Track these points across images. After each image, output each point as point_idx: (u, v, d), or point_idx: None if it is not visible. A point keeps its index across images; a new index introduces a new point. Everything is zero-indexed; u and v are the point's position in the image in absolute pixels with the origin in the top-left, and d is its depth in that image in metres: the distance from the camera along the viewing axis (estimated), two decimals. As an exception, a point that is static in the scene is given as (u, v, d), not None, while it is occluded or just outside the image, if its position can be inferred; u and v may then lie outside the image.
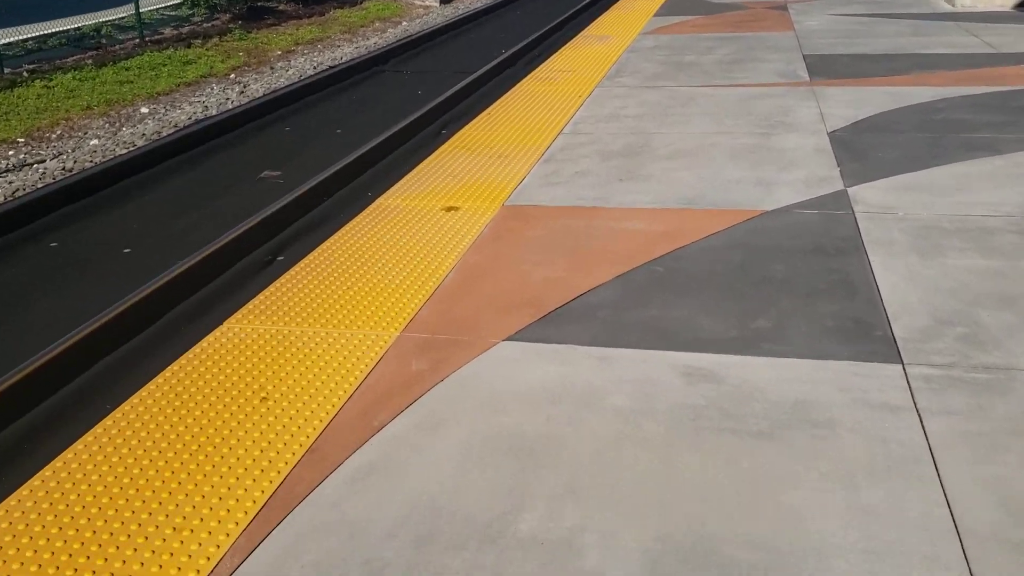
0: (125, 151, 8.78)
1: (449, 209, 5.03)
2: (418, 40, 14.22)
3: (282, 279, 4.16)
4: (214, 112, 10.59)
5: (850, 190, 5.01)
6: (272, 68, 14.10)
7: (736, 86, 7.77)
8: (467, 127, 6.93)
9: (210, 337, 3.61)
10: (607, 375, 3.17)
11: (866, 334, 3.37)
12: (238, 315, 3.79)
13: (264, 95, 10.83)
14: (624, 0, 14.97)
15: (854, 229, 4.43)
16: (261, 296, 3.98)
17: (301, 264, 4.33)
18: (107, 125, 10.77)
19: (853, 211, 4.68)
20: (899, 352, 3.23)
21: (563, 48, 10.16)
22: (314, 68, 13.24)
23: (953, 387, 2.99)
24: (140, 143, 9.19)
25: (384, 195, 5.36)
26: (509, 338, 3.47)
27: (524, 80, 8.49)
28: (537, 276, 4.07)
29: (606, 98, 7.60)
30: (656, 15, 12.32)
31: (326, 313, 3.75)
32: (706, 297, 3.77)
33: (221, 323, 3.74)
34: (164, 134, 9.44)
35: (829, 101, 7.09)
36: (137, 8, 14.49)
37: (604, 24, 11.98)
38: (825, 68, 8.35)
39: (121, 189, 7.51)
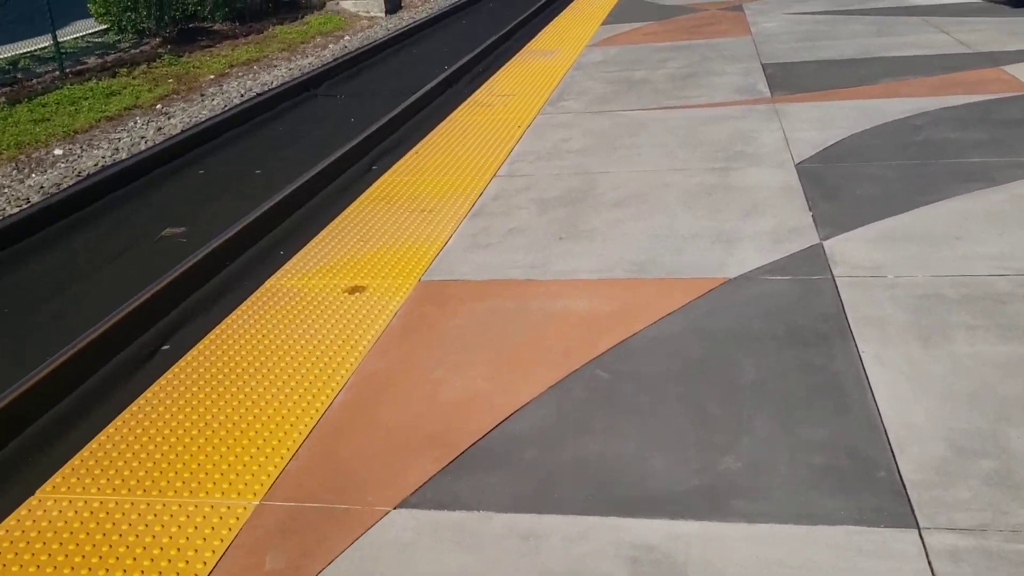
0: (15, 209, 7.86)
1: (354, 290, 4.20)
2: (356, 58, 13.35)
3: (122, 416, 3.31)
4: (124, 155, 9.68)
5: (826, 244, 4.23)
6: (202, 95, 13.19)
7: (691, 107, 6.98)
8: (393, 169, 6.10)
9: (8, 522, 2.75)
10: (530, 569, 2.35)
11: (866, 476, 2.58)
12: (55, 479, 2.93)
13: (180, 132, 9.94)
14: (573, 4, 14.20)
15: (836, 303, 3.65)
16: (97, 441, 3.13)
17: (157, 385, 3.48)
18: (14, 172, 9.84)
19: (833, 275, 3.90)
20: (912, 508, 2.44)
21: (507, 64, 9.35)
22: (242, 95, 12.34)
23: (991, 569, 2.21)
24: (36, 198, 8.27)
25: (280, 271, 4.52)
26: (403, 503, 2.65)
27: (461, 107, 7.66)
28: (451, 391, 3.26)
29: (548, 127, 6.80)
30: (605, 23, 11.53)
31: (169, 469, 2.91)
32: (660, 419, 2.97)
33: (32, 494, 2.88)
34: (64, 186, 8.52)
35: (794, 122, 6.32)
36: (55, 38, 13.51)
37: (551, 34, 11.19)
38: (787, 80, 7.58)
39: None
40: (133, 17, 15.53)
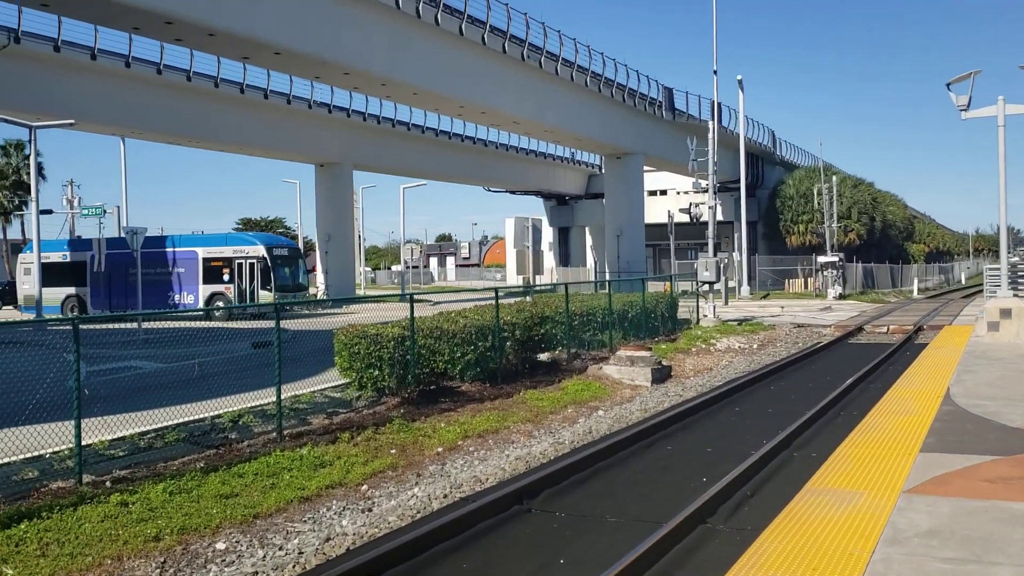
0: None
1: None
2: (597, 454, 11.09)
3: None
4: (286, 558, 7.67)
5: None
6: (419, 475, 11.41)
7: None
8: None
9: None
10: None
11: None
12: None
13: (344, 555, 7.83)
14: (877, 407, 11.38)
15: None
16: None
17: None
18: (157, 572, 8.14)
19: None
20: None
21: (779, 518, 6.61)
22: (456, 488, 10.33)
23: None
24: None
25: None
26: None
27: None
28: None
29: None
30: (926, 448, 8.59)
31: None
32: None
33: None
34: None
35: None
36: (279, 396, 12.52)
37: (847, 456, 8.39)
38: None
39: None
40: (375, 374, 14.53)
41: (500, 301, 18.35)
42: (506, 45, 39.36)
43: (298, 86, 47.17)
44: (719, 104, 50.93)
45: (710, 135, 29.38)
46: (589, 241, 78.27)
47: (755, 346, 25.03)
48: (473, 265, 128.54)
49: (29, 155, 38.58)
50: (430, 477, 11.27)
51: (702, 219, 32.96)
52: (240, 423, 12.91)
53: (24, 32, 32.91)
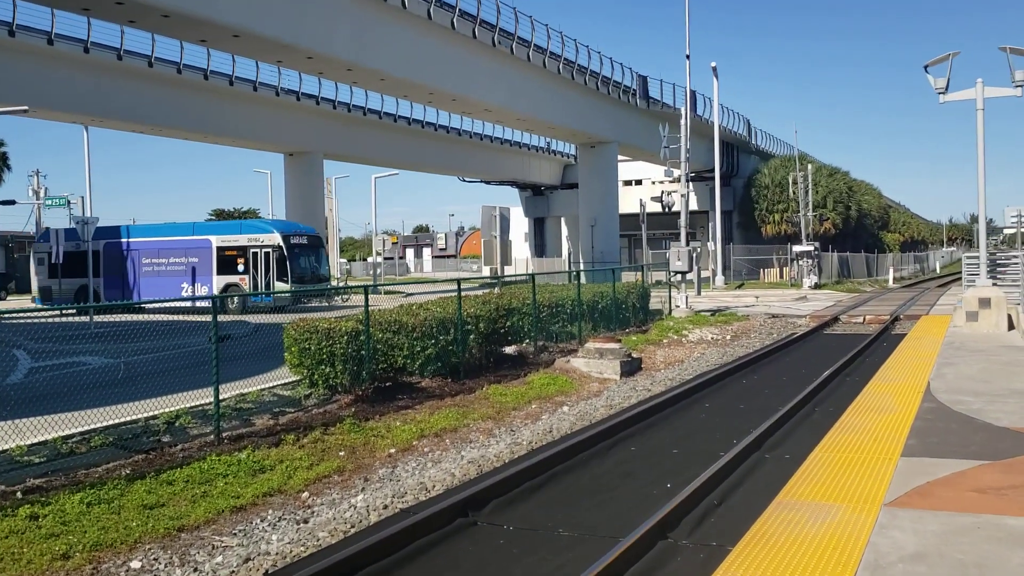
0: None
1: None
2: (553, 457, 10.32)
3: None
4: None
5: None
6: (367, 479, 10.63)
7: None
8: None
9: None
10: None
11: None
12: None
13: None
14: (855, 403, 10.71)
15: None
16: None
17: None
18: (59, 599, 7.30)
19: None
20: None
21: (746, 538, 5.87)
22: (399, 497, 9.55)
23: None
24: None
25: None
26: None
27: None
28: None
29: None
30: (907, 453, 7.89)
31: None
32: None
33: None
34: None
35: None
36: (216, 395, 11.66)
37: (822, 462, 7.68)
38: None
39: None
40: (327, 371, 13.69)
41: (468, 293, 17.51)
42: (476, 30, 38.40)
43: (266, 73, 46.09)
44: (692, 92, 50.23)
45: (682, 121, 28.61)
46: (565, 232, 77.56)
47: (728, 337, 24.37)
48: (450, 256, 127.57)
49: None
50: (378, 482, 10.48)
51: (674, 208, 32.18)
52: (176, 425, 12.04)
53: (-24, 17, 31.72)
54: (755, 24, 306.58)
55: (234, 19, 27.22)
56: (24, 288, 51.23)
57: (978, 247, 21.08)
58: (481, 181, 75.31)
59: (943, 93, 18.36)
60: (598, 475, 10.11)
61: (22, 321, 28.93)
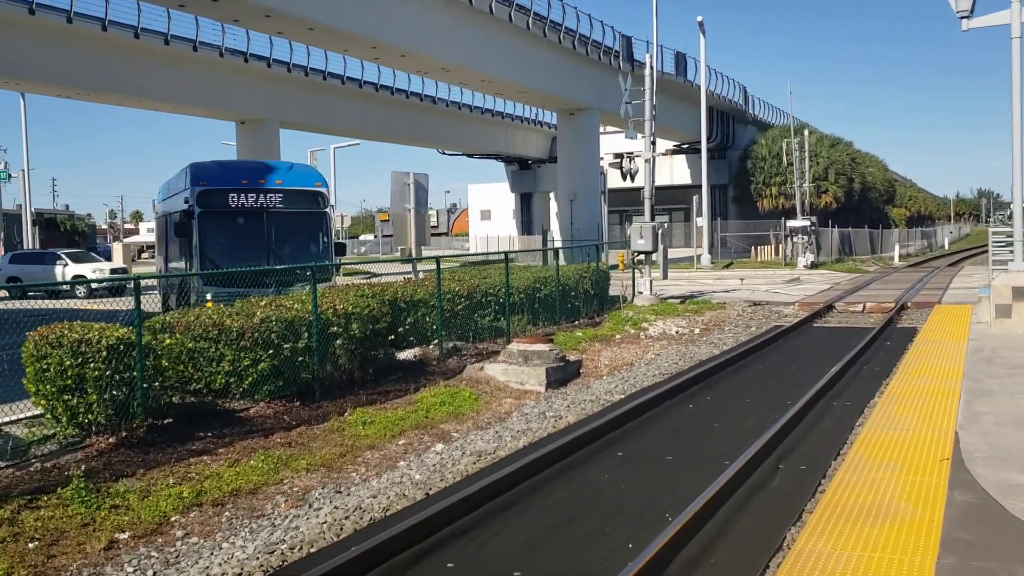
0: None
1: None
2: (379, 550, 6.06)
3: None
4: None
5: None
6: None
7: None
8: None
9: None
10: None
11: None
12: None
13: None
14: (832, 491, 6.46)
15: None
16: None
17: None
18: None
19: None
20: None
21: None
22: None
23: None
24: None
25: None
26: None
27: None
28: None
29: None
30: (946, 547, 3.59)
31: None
32: None
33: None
34: None
35: None
36: None
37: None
38: None
39: None
40: (73, 402, 9.41)
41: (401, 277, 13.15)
42: (428, -23, 33.96)
43: (209, 32, 41.60)
44: (658, 38, 45.42)
45: (647, 70, 24.13)
46: (554, 208, 73.18)
47: (696, 331, 20.03)
48: (442, 234, 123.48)
49: None
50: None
51: (635, 173, 27.66)
52: None
53: None
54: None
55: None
56: None
57: (1011, 220, 16.53)
58: (463, 154, 70.94)
59: (967, 17, 13.92)
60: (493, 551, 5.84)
61: None
